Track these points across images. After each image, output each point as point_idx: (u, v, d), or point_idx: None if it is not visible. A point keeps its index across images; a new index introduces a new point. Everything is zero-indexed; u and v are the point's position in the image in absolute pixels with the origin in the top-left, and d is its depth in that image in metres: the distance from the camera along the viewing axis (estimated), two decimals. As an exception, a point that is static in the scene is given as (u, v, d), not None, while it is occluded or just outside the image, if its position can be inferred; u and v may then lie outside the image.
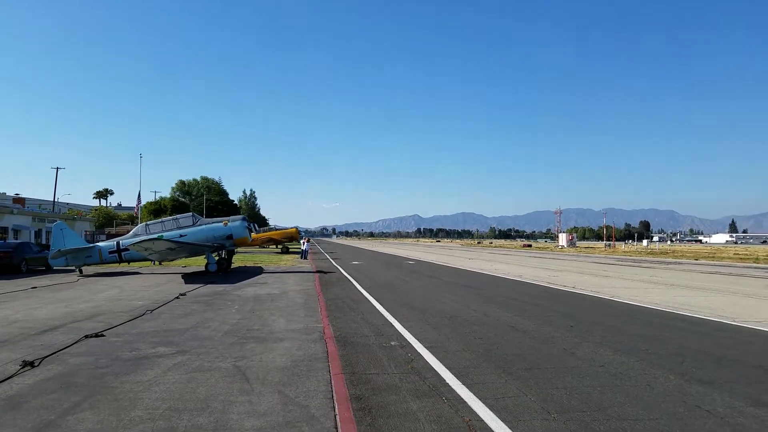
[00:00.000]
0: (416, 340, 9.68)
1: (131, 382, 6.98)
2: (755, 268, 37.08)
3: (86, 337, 9.80)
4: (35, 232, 50.34)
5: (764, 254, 65.72)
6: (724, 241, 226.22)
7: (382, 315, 12.91)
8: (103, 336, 9.96)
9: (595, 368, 7.83)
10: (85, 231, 62.11)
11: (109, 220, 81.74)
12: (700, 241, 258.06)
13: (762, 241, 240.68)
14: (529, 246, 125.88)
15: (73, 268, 25.40)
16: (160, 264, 30.33)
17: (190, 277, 22.98)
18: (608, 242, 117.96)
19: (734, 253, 68.31)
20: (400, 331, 10.73)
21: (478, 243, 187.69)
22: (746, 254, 65.39)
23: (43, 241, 45.25)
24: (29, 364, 7.76)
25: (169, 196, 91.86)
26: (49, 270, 27.38)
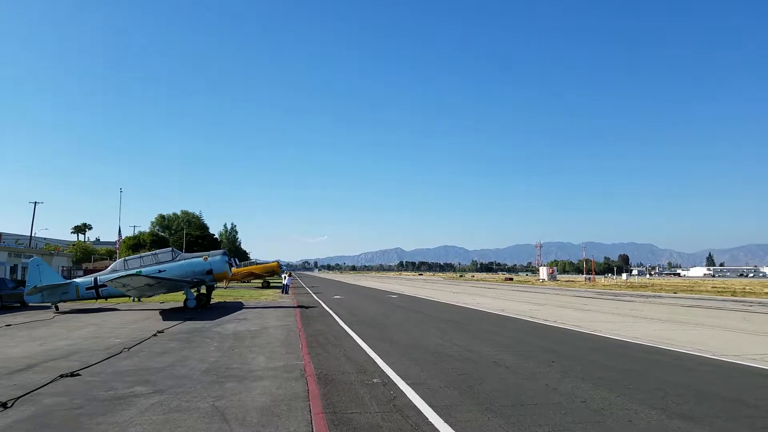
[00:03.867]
0: (399, 377, 9.61)
1: (107, 423, 6.82)
2: (733, 301, 37.55)
3: (61, 376, 9.58)
4: (11, 267, 49.29)
5: (741, 287, 66.61)
6: (701, 275, 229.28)
7: (365, 351, 12.80)
8: (79, 375, 9.74)
9: (577, 404, 7.83)
10: (62, 266, 60.99)
11: (87, 256, 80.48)
12: (679, 274, 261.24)
13: (739, 274, 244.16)
14: (511, 279, 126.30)
15: (49, 304, 24.93)
16: (138, 300, 29.84)
17: (168, 314, 22.62)
18: (588, 276, 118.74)
19: (712, 287, 69.11)
20: (382, 367, 10.63)
21: (461, 276, 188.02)
22: (724, 287, 66.18)
23: (19, 277, 44.33)
24: (2, 405, 7.56)
25: (148, 230, 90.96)
26: (24, 307, 26.79)
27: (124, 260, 26.38)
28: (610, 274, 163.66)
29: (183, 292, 25.49)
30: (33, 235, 76.13)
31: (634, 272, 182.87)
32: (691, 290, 56.06)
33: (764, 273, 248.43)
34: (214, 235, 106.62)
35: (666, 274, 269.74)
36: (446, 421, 6.88)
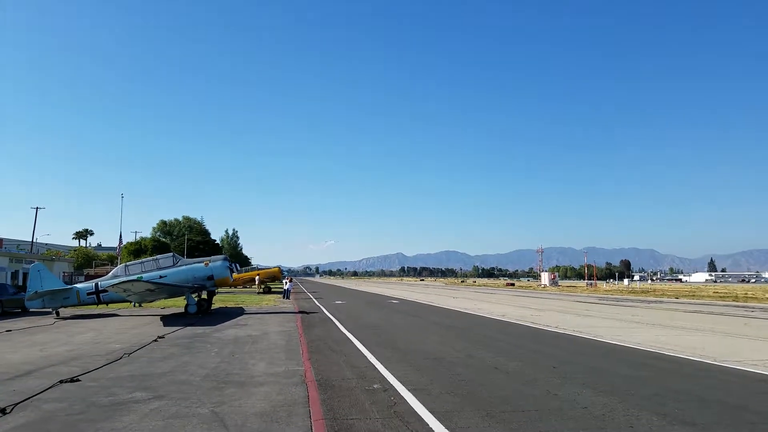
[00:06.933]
0: (399, 383, 9.58)
1: (106, 429, 6.80)
2: (735, 306, 37.48)
3: (61, 382, 9.57)
4: (12, 273, 49.31)
5: (743, 293, 66.47)
6: (703, 280, 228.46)
7: (365, 357, 12.78)
8: (79, 381, 9.73)
9: (578, 410, 7.80)
10: (64, 272, 61.06)
11: (88, 261, 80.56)
12: (680, 280, 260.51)
13: (740, 279, 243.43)
14: (512, 285, 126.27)
15: (50, 310, 24.91)
16: (139, 306, 29.84)
17: (169, 319, 22.61)
18: (590, 281, 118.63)
19: (714, 292, 68.99)
20: (383, 373, 10.61)
21: (462, 281, 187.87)
22: (726, 293, 66.08)
23: (21, 283, 44.32)
24: (1, 411, 7.56)
25: (150, 236, 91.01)
26: (25, 312, 26.79)
27: (126, 266, 26.38)
28: (611, 280, 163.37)
29: (184, 297, 25.51)
30: (34, 240, 76.25)
31: (636, 278, 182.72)
32: (693, 296, 55.98)
33: (766, 278, 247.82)
34: (215, 240, 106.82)
35: (668, 279, 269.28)
36: (447, 427, 6.86)
